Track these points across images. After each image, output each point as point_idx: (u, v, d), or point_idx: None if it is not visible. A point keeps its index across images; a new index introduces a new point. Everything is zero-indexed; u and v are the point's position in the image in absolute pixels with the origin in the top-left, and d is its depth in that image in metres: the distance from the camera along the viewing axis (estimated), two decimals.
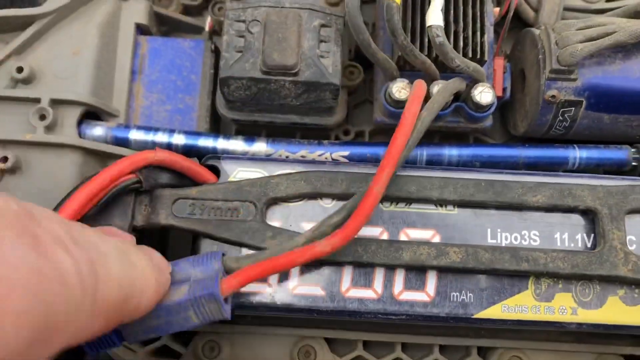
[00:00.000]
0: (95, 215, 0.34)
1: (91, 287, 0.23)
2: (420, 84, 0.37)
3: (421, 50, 0.39)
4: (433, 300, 0.36)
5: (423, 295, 0.36)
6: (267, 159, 0.40)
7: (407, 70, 0.41)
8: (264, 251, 0.34)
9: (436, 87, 0.39)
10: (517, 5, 0.45)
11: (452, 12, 0.40)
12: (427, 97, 0.38)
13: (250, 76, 0.39)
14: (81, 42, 0.43)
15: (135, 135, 0.42)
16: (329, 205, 0.38)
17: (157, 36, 0.48)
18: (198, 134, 0.43)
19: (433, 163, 0.42)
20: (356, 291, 0.36)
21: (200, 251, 0.37)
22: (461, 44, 0.40)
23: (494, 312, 0.36)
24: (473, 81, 0.40)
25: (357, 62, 0.45)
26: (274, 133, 0.45)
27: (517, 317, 0.36)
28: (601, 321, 0.36)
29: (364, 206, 0.33)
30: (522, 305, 0.36)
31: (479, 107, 0.40)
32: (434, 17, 0.36)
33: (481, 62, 0.40)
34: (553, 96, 0.40)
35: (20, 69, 0.42)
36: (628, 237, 0.37)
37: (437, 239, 0.37)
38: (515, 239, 0.37)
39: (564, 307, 0.36)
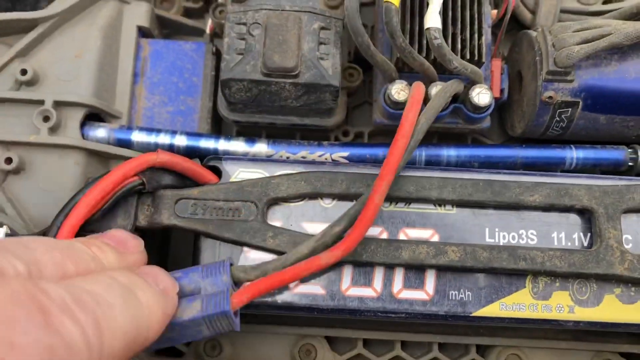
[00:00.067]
0: (99, 217, 0.35)
1: (97, 346, 0.24)
2: (419, 87, 0.38)
3: (419, 52, 0.39)
4: (432, 299, 0.37)
5: (422, 293, 0.37)
6: (267, 159, 0.40)
7: (406, 71, 0.41)
8: (270, 262, 0.34)
9: (434, 89, 0.39)
10: (515, 7, 0.46)
11: (450, 14, 0.40)
12: (426, 99, 0.39)
13: (251, 78, 0.39)
14: (84, 45, 0.44)
15: (137, 136, 0.43)
16: (329, 205, 0.38)
17: (158, 39, 0.48)
18: (199, 135, 0.43)
19: (432, 163, 0.43)
20: (356, 290, 0.37)
21: (202, 250, 0.37)
22: (459, 46, 0.40)
23: (492, 310, 0.37)
24: (471, 83, 0.40)
25: (357, 64, 0.46)
26: (275, 134, 0.46)
27: (515, 315, 0.37)
28: (598, 319, 0.37)
29: (364, 217, 0.34)
30: (520, 304, 0.37)
31: (477, 108, 0.40)
32: (432, 19, 0.37)
33: (479, 63, 0.41)
34: (550, 97, 0.41)
35: (24, 71, 0.42)
36: (624, 236, 0.37)
37: (435, 238, 0.38)
38: (513, 238, 0.38)
39: (561, 305, 0.37)
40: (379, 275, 0.37)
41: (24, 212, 0.40)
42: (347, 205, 0.38)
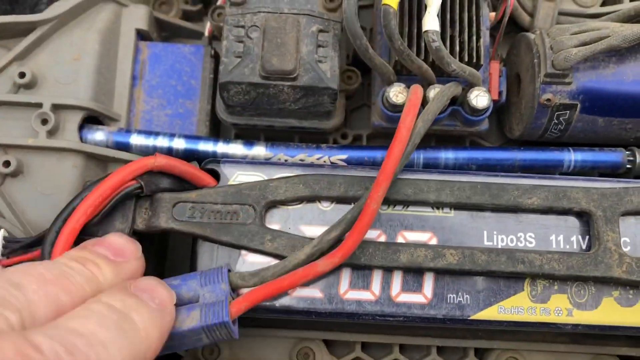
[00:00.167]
0: (97, 221, 0.35)
1: None
2: (416, 91, 0.38)
3: (418, 54, 0.39)
4: (430, 302, 0.37)
5: (420, 297, 0.37)
6: (266, 162, 0.40)
7: (404, 74, 0.41)
8: (268, 269, 0.35)
9: (433, 92, 0.39)
10: (513, 9, 0.46)
11: (448, 16, 0.40)
12: (424, 101, 0.39)
13: (249, 81, 0.39)
14: (82, 48, 0.44)
15: (136, 139, 0.43)
16: (328, 208, 0.38)
17: (157, 42, 0.48)
18: (198, 138, 0.43)
19: (430, 166, 0.43)
20: (354, 293, 0.37)
21: (200, 254, 0.37)
22: (457, 48, 0.40)
23: (491, 313, 0.37)
24: (469, 85, 0.40)
25: (355, 66, 0.46)
26: (273, 137, 0.46)
27: (513, 318, 0.37)
28: (596, 322, 0.37)
29: (360, 224, 0.34)
30: (518, 307, 0.37)
31: (475, 110, 0.40)
32: (430, 22, 0.37)
33: (477, 66, 0.41)
34: (548, 100, 0.41)
35: (22, 74, 0.42)
36: (622, 239, 0.37)
37: (434, 242, 0.38)
38: (511, 241, 0.38)
39: (559, 308, 0.37)
40: (377, 278, 0.37)
41: (22, 215, 0.40)
42: (345, 208, 0.38)
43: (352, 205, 0.38)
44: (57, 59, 0.44)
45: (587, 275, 0.36)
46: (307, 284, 0.36)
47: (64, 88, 0.43)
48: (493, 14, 0.44)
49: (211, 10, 0.47)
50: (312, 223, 0.38)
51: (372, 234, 0.37)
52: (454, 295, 0.37)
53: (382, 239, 0.38)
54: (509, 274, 0.37)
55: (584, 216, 0.38)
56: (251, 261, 0.37)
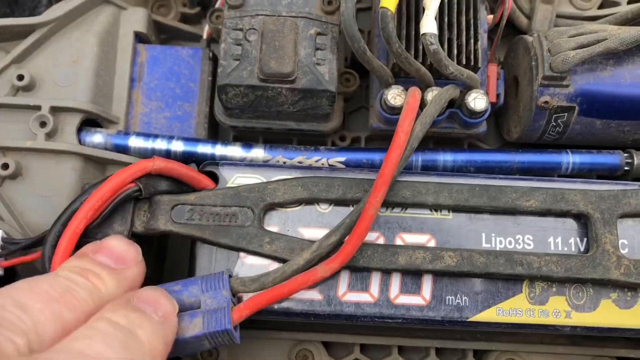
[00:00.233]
0: (96, 224, 0.35)
1: None
2: (414, 94, 0.38)
3: (416, 57, 0.40)
4: (429, 304, 0.37)
5: (419, 299, 0.37)
6: (264, 165, 0.40)
7: (402, 76, 0.42)
8: (268, 274, 0.35)
9: (431, 94, 0.39)
10: (510, 12, 0.46)
11: (446, 19, 0.40)
12: (422, 104, 0.39)
13: (247, 84, 0.39)
14: (81, 51, 0.44)
15: (134, 142, 0.43)
16: (326, 211, 0.38)
17: (155, 44, 0.48)
18: (196, 140, 0.43)
19: (428, 168, 0.43)
20: (353, 295, 0.37)
21: (199, 256, 0.37)
22: (455, 51, 0.40)
23: (489, 315, 0.37)
24: (467, 88, 0.40)
25: (353, 69, 0.46)
26: (271, 139, 0.46)
27: (511, 320, 0.37)
28: (595, 324, 0.37)
29: (358, 229, 0.34)
30: (517, 309, 0.37)
31: (473, 113, 0.41)
32: (428, 25, 0.37)
33: (475, 69, 0.41)
34: (546, 102, 0.41)
35: (20, 77, 0.42)
36: (620, 241, 0.37)
37: (432, 244, 0.38)
38: (510, 243, 0.38)
39: (557, 310, 0.37)
40: (375, 280, 0.37)
41: (20, 217, 0.40)
42: (343, 211, 0.38)
43: (351, 207, 0.38)
44: (55, 61, 0.44)
45: (585, 277, 0.36)
46: None
47: (62, 90, 0.43)
48: (491, 16, 0.45)
49: (209, 13, 0.47)
50: (310, 225, 0.38)
51: (371, 237, 0.37)
52: (453, 297, 0.37)
53: (381, 241, 0.38)
54: (507, 276, 0.37)
55: (582, 218, 0.38)
56: (250, 263, 0.37)
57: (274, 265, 0.37)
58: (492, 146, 0.48)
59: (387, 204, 0.38)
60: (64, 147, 0.41)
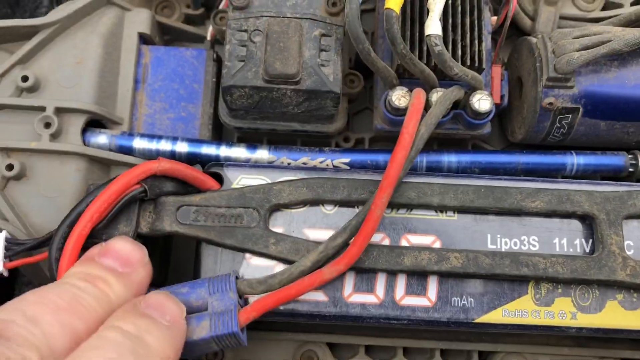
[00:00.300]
0: (102, 226, 0.35)
1: None
2: (419, 94, 0.38)
3: (420, 58, 0.40)
4: (434, 305, 0.37)
5: (424, 300, 0.37)
6: (269, 166, 0.40)
7: (407, 78, 0.41)
8: (275, 276, 0.35)
9: (435, 95, 0.39)
10: (514, 14, 0.46)
11: (450, 20, 0.40)
12: (427, 105, 0.39)
13: (252, 85, 0.39)
14: (85, 52, 0.44)
15: (138, 143, 0.43)
16: (331, 212, 0.38)
17: (159, 45, 0.48)
18: (201, 141, 0.43)
19: (433, 169, 0.43)
20: (358, 296, 0.37)
21: (204, 257, 0.37)
22: (459, 52, 0.40)
23: (495, 316, 0.37)
24: (471, 89, 0.40)
25: (357, 70, 0.46)
26: (276, 140, 0.46)
27: (517, 321, 0.37)
28: (600, 325, 0.37)
29: (364, 231, 0.34)
30: (522, 310, 0.37)
31: (478, 114, 0.41)
32: (433, 26, 0.37)
33: (479, 70, 0.41)
34: (550, 103, 0.41)
35: (25, 78, 0.42)
36: (626, 242, 0.37)
37: (437, 245, 0.38)
38: (515, 244, 0.38)
39: (563, 311, 0.37)
40: (381, 281, 0.37)
41: (24, 218, 0.40)
42: (348, 211, 0.38)
43: (356, 208, 0.38)
44: (60, 62, 0.44)
45: (591, 278, 0.36)
46: None
47: (66, 91, 0.43)
48: (495, 18, 0.45)
49: (213, 15, 0.47)
50: (315, 226, 0.38)
51: (376, 238, 0.37)
52: (458, 299, 0.37)
53: (386, 242, 0.38)
54: (513, 277, 0.37)
55: (587, 219, 0.38)
56: (255, 264, 0.37)
57: (279, 266, 0.37)
58: (495, 147, 0.48)
59: (392, 205, 0.38)
60: (68, 148, 0.41)
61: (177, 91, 0.46)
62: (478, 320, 0.37)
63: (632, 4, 0.48)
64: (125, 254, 0.32)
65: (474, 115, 0.41)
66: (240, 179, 0.39)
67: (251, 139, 0.46)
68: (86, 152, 0.41)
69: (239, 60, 0.40)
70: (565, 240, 0.38)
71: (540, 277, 0.36)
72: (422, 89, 0.39)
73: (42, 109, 0.41)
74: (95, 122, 0.43)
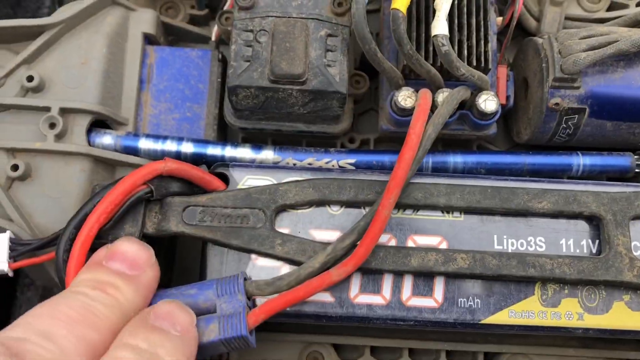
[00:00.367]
0: (108, 227, 0.35)
1: None
2: (426, 95, 0.38)
3: (426, 59, 0.40)
4: (441, 306, 0.37)
5: (431, 301, 0.37)
6: (275, 166, 0.40)
7: (413, 78, 0.41)
8: (283, 278, 0.34)
9: (441, 96, 0.39)
10: (520, 14, 0.46)
11: (456, 21, 0.40)
12: (433, 105, 0.39)
13: (258, 85, 0.39)
14: (90, 52, 0.44)
15: (144, 143, 0.43)
16: (337, 212, 0.38)
17: (164, 46, 0.48)
18: (206, 142, 0.43)
19: (438, 170, 0.43)
20: (365, 297, 0.36)
21: (210, 258, 0.37)
22: (465, 52, 0.40)
23: (501, 317, 0.36)
24: (477, 89, 0.40)
25: (363, 70, 0.46)
26: (281, 141, 0.46)
27: (524, 322, 0.36)
28: (607, 326, 0.37)
29: (372, 232, 0.34)
30: (529, 311, 0.37)
31: (484, 115, 0.40)
32: (440, 26, 0.37)
33: (485, 70, 0.41)
34: (556, 104, 0.41)
35: (30, 78, 0.42)
36: (633, 243, 0.37)
37: (444, 246, 0.37)
38: (522, 245, 0.38)
39: (570, 312, 0.37)
40: (387, 282, 0.37)
41: (29, 218, 0.40)
42: (355, 212, 0.38)
43: (362, 209, 0.38)
44: (64, 62, 0.43)
45: (597, 279, 0.36)
46: None
47: (71, 92, 0.43)
48: (500, 18, 0.45)
49: (219, 15, 0.47)
50: (321, 227, 0.38)
51: (383, 238, 0.37)
52: (465, 300, 0.37)
53: (393, 243, 0.37)
54: (519, 278, 0.37)
55: (594, 220, 0.38)
56: (261, 265, 0.37)
57: (285, 267, 0.36)
58: (501, 148, 0.48)
59: (398, 205, 0.38)
60: (73, 148, 0.41)
61: (182, 91, 0.46)
62: (484, 321, 0.36)
63: (637, 5, 0.48)
64: (132, 255, 0.32)
65: (480, 116, 0.41)
66: (246, 180, 0.38)
67: (256, 140, 0.46)
68: (91, 152, 0.41)
69: (245, 60, 0.40)
70: (572, 241, 0.38)
71: (547, 278, 0.36)
72: (429, 90, 0.39)
73: (47, 109, 0.41)
74: (100, 123, 0.43)
